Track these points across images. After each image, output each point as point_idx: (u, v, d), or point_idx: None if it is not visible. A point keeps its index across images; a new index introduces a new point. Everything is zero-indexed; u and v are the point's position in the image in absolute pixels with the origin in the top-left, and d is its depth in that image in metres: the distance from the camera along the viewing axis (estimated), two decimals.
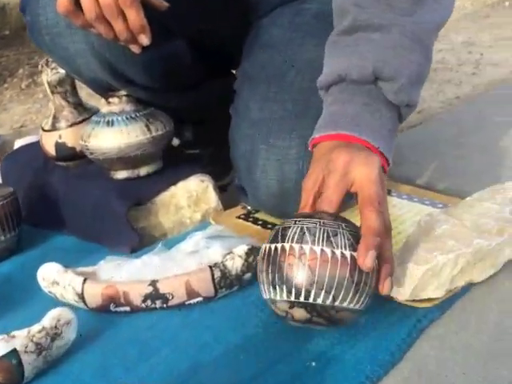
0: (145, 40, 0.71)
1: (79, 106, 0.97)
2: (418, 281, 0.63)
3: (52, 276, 0.71)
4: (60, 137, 0.96)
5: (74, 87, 0.96)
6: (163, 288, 0.68)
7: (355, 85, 0.67)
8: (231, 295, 0.71)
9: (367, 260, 0.55)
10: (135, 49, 0.73)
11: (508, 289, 0.68)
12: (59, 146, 0.96)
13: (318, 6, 0.91)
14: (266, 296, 0.59)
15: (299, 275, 0.55)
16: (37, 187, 0.98)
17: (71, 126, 0.96)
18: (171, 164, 0.96)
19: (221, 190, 1.02)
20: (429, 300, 0.65)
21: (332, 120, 0.66)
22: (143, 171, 0.91)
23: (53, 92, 0.95)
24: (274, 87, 0.85)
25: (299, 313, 0.56)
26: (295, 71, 0.85)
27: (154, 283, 0.68)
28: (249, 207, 0.91)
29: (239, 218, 0.90)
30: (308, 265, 0.54)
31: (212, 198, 0.93)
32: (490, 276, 0.68)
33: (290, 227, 0.57)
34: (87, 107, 1.00)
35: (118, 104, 0.89)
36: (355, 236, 0.57)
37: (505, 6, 2.73)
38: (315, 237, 0.55)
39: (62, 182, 0.95)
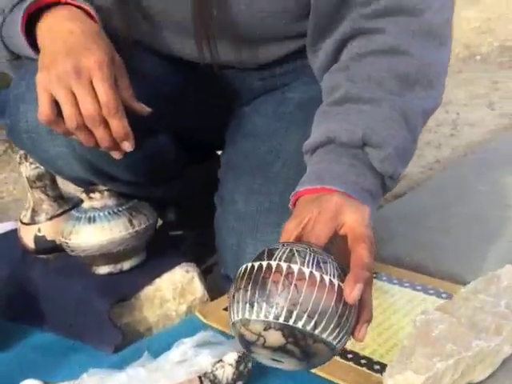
0: (128, 147, 0.70)
1: (59, 198, 0.95)
2: None
3: None
4: (39, 230, 0.93)
5: (53, 181, 0.93)
6: None
7: (343, 148, 0.66)
8: None
9: (354, 292, 0.51)
10: (116, 155, 0.71)
11: None
12: (38, 240, 0.93)
13: (300, 95, 0.91)
14: (236, 317, 0.52)
15: (283, 294, 0.50)
16: (15, 281, 0.94)
17: (51, 219, 0.93)
18: (155, 252, 0.93)
19: (206, 272, 1.00)
20: None
21: (318, 176, 0.65)
22: (126, 265, 0.88)
23: (32, 186, 0.92)
24: (260, 178, 0.84)
25: (274, 337, 0.50)
26: (281, 162, 0.84)
27: None
28: None
29: (226, 310, 0.87)
30: (294, 284, 0.50)
31: (198, 288, 0.91)
32: (489, 375, 0.66)
33: (277, 248, 0.53)
34: (67, 197, 0.97)
35: (99, 199, 0.87)
36: (343, 269, 0.54)
37: (476, 59, 2.80)
38: (305, 259, 0.52)
39: (41, 276, 0.92)
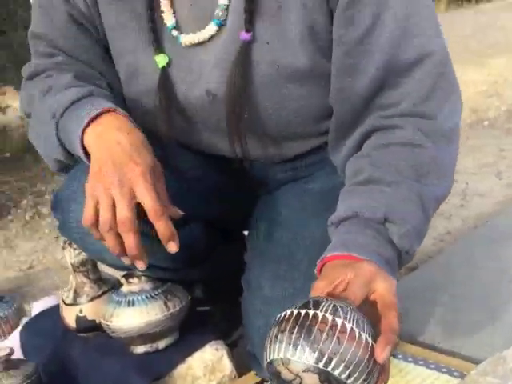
0: (173, 246, 0.78)
1: (99, 280, 1.04)
2: None
3: None
4: (81, 311, 1.02)
5: (95, 265, 1.03)
6: None
7: (366, 222, 0.75)
8: None
9: (385, 353, 0.60)
10: (140, 265, 0.79)
11: None
12: (80, 320, 1.02)
13: (320, 186, 1.01)
14: (276, 356, 0.59)
15: (327, 342, 0.57)
16: (57, 358, 1.02)
17: (91, 300, 1.02)
18: (186, 330, 1.01)
19: (231, 345, 1.07)
20: None
21: (343, 244, 0.74)
22: (162, 345, 0.96)
23: (75, 270, 1.02)
24: (284, 265, 0.92)
25: (311, 379, 0.57)
26: (303, 250, 0.92)
27: None
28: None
29: None
30: (337, 336, 0.58)
31: (226, 366, 0.98)
32: None
33: (322, 301, 0.61)
34: (106, 278, 1.06)
35: (137, 284, 0.95)
36: (374, 330, 0.62)
37: (484, 125, 2.90)
38: (346, 315, 0.60)
39: (82, 355, 1.00)
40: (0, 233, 2.39)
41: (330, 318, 0.59)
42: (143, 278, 0.96)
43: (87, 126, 0.80)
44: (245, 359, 1.01)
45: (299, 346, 0.58)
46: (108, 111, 0.82)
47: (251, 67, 0.85)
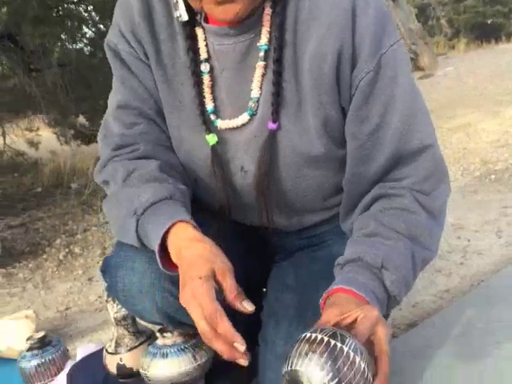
0: (242, 355, 0.85)
1: (137, 332, 1.22)
2: None
3: None
4: (121, 359, 1.19)
5: (134, 320, 1.21)
6: None
7: (366, 265, 0.94)
8: None
9: None
10: (242, 362, 0.85)
11: None
12: (120, 367, 1.19)
13: (327, 253, 1.19)
14: (302, 368, 0.77)
15: (346, 373, 0.76)
16: None
17: (130, 350, 1.20)
18: (210, 378, 1.18)
19: None
20: None
21: (346, 281, 0.92)
22: None
23: (117, 324, 1.20)
24: (296, 325, 1.10)
25: None
26: (311, 312, 1.10)
27: None
28: None
29: None
30: (354, 371, 0.76)
31: None
32: None
33: (347, 337, 0.78)
34: (142, 330, 1.24)
35: (170, 338, 1.13)
36: (371, 362, 0.80)
37: (491, 179, 3.05)
38: (362, 355, 0.78)
39: None
40: (37, 272, 2.59)
41: (351, 354, 0.77)
42: (175, 332, 1.14)
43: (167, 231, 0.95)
44: None
45: (325, 370, 0.76)
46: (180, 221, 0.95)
47: (276, 151, 1.04)
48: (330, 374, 0.76)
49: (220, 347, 0.85)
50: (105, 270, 1.11)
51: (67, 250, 2.89)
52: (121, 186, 1.06)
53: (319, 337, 0.79)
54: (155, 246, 0.95)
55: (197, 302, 0.87)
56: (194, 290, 0.88)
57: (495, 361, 1.27)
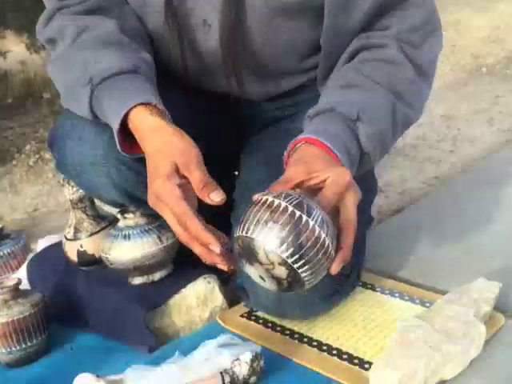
0: (216, 250, 0.73)
1: (97, 216, 1.10)
2: None
3: None
4: (81, 246, 1.09)
5: (92, 202, 1.09)
6: None
7: (339, 116, 0.82)
8: None
9: (339, 267, 0.72)
10: (222, 266, 0.75)
11: None
12: (81, 254, 1.09)
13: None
14: (259, 238, 0.66)
15: (308, 250, 0.66)
16: (61, 290, 1.10)
17: (91, 235, 1.09)
18: (180, 265, 1.08)
19: (224, 281, 1.14)
20: None
21: (315, 131, 0.80)
22: (157, 276, 1.04)
23: (74, 207, 1.08)
24: None
25: (280, 272, 0.67)
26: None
27: None
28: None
29: (242, 316, 1.02)
30: (317, 248, 0.67)
31: (218, 297, 1.05)
32: (458, 373, 0.80)
33: (314, 209, 0.68)
34: (104, 216, 1.13)
35: (132, 218, 1.02)
36: (334, 232, 0.71)
37: (482, 72, 2.90)
38: (327, 230, 0.68)
39: (84, 286, 1.07)
40: (5, 177, 2.46)
41: (317, 229, 0.67)
42: (137, 213, 1.02)
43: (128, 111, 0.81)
44: (236, 294, 1.08)
45: (285, 244, 0.66)
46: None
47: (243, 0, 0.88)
48: (291, 249, 0.66)
49: (198, 250, 0.75)
50: (52, 144, 0.98)
51: (37, 156, 2.74)
52: (71, 45, 0.90)
53: (283, 205, 0.67)
54: (114, 125, 0.82)
55: (163, 204, 0.76)
56: (157, 191, 0.76)
57: (489, 236, 1.19)
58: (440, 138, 1.96)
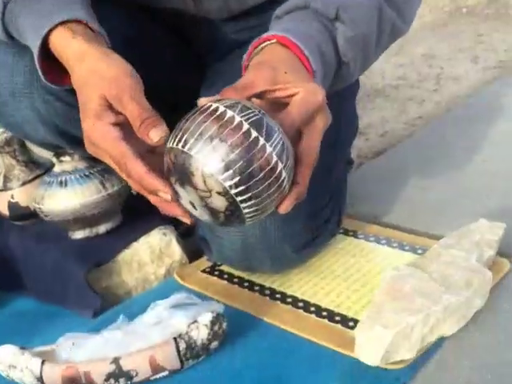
0: (167, 197, 0.56)
1: (30, 163, 0.94)
2: (388, 345, 0.61)
3: (8, 359, 0.67)
4: (12, 196, 0.92)
5: (22, 145, 0.92)
6: (126, 365, 0.65)
7: (315, 15, 0.66)
8: (198, 366, 0.68)
9: (289, 208, 0.55)
10: (185, 219, 0.58)
11: (479, 341, 0.66)
12: (12, 206, 0.93)
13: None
14: (197, 155, 0.50)
15: (258, 183, 0.51)
16: None
17: (23, 184, 0.92)
18: (131, 215, 0.93)
19: (185, 235, 0.99)
20: (401, 361, 0.63)
21: (284, 29, 0.63)
22: (102, 229, 0.88)
23: (1, 152, 0.91)
24: None
25: (220, 202, 0.52)
26: None
27: (116, 361, 0.65)
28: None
29: (204, 271, 0.87)
30: (267, 177, 0.51)
31: (176, 252, 0.91)
32: (460, 328, 0.67)
33: (275, 131, 0.51)
34: (39, 162, 0.96)
35: (70, 162, 0.86)
36: (293, 161, 0.55)
37: (462, 12, 2.75)
38: (287, 162, 0.52)
39: (18, 243, 0.92)
40: None
41: (274, 159, 0.51)
42: (76, 156, 0.86)
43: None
44: (197, 247, 0.94)
45: (230, 171, 0.50)
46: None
47: None
48: (237, 177, 0.50)
49: (153, 200, 0.58)
50: None
51: None
52: None
53: (237, 119, 0.51)
54: (33, 49, 0.65)
55: (100, 150, 0.59)
56: (90, 135, 0.59)
57: (483, 175, 1.05)
58: (422, 78, 1.81)
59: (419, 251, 0.84)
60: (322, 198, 0.82)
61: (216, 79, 0.93)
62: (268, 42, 0.62)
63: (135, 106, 0.57)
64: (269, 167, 0.51)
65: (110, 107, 0.59)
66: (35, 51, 0.64)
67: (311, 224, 0.79)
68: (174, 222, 0.95)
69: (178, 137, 0.51)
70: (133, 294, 0.88)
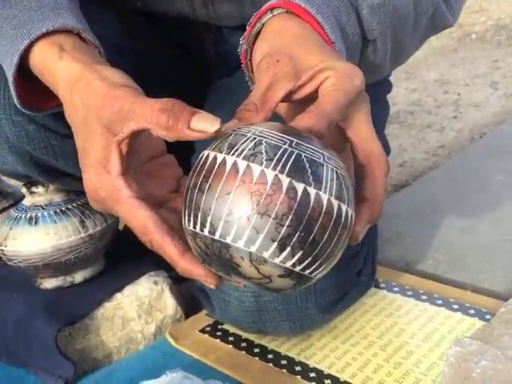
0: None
1: None
2: None
3: None
4: None
5: None
6: None
7: None
8: None
9: (362, 235, 0.40)
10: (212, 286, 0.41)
11: None
12: None
13: None
14: (239, 244, 0.35)
15: (320, 251, 0.36)
16: None
17: None
18: (115, 259, 0.77)
19: (177, 279, 0.83)
20: None
21: None
22: (79, 277, 0.72)
23: None
24: None
25: (284, 283, 0.37)
26: None
27: None
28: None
29: (203, 331, 0.71)
30: (326, 238, 0.36)
31: (168, 304, 0.74)
32: None
33: (323, 165, 0.35)
34: (8, 192, 0.80)
35: (43, 194, 0.69)
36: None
37: (471, 38, 2.64)
38: (341, 187, 0.36)
39: None
40: None
41: (335, 203, 0.35)
42: (52, 186, 0.70)
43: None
44: (194, 296, 0.78)
45: (289, 248, 0.35)
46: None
47: None
48: (299, 253, 0.35)
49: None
50: None
51: None
52: None
53: (269, 175, 0.34)
54: (7, 68, 0.49)
55: (109, 207, 0.43)
56: (93, 188, 0.43)
57: None
58: (439, 104, 1.67)
59: (471, 311, 0.68)
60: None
61: (224, 97, 0.78)
62: (269, 15, 0.47)
63: (154, 102, 0.40)
64: (332, 220, 0.35)
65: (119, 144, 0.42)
66: (10, 71, 0.48)
67: (341, 277, 0.63)
68: (164, 265, 0.79)
69: (200, 219, 0.36)
70: (114, 358, 0.71)
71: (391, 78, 0.82)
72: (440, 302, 0.70)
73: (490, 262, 0.79)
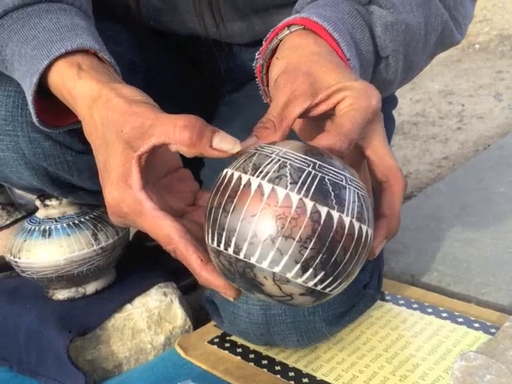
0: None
1: (8, 205, 0.79)
2: None
3: None
4: None
5: (1, 186, 0.77)
6: None
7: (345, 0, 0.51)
8: None
9: (380, 249, 0.42)
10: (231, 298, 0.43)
11: None
12: None
13: None
14: (262, 264, 0.36)
15: (342, 269, 0.37)
16: None
17: (0, 229, 0.77)
18: (126, 270, 0.78)
19: (186, 289, 0.84)
20: None
21: (308, 13, 0.48)
22: (90, 289, 0.73)
23: None
24: None
25: (305, 300, 0.38)
26: None
27: None
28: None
29: (212, 342, 0.72)
30: (347, 258, 0.37)
31: (178, 316, 0.75)
32: None
33: (345, 186, 0.37)
34: (20, 203, 0.81)
35: (57, 207, 0.71)
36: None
37: (475, 49, 2.66)
38: (362, 209, 0.38)
39: None
40: None
41: (356, 225, 0.36)
42: (64, 200, 0.71)
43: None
44: (203, 307, 0.79)
45: (312, 269, 0.36)
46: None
47: None
48: (321, 274, 0.36)
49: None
50: None
51: None
52: None
53: (294, 199, 0.35)
54: (26, 88, 0.50)
55: (132, 222, 0.44)
56: (115, 204, 0.44)
57: None
58: (443, 115, 1.69)
59: (475, 324, 0.69)
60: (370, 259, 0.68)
61: (235, 112, 0.80)
62: (287, 32, 0.48)
63: (173, 120, 0.42)
64: (353, 241, 0.37)
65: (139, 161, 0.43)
66: (29, 90, 0.49)
67: (349, 290, 0.64)
68: (173, 276, 0.80)
69: (224, 238, 0.37)
70: (124, 368, 0.72)
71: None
72: (445, 314, 0.72)
73: (494, 276, 0.80)
